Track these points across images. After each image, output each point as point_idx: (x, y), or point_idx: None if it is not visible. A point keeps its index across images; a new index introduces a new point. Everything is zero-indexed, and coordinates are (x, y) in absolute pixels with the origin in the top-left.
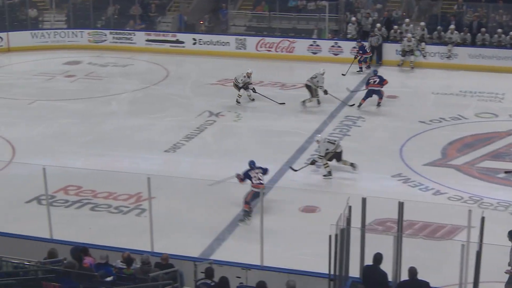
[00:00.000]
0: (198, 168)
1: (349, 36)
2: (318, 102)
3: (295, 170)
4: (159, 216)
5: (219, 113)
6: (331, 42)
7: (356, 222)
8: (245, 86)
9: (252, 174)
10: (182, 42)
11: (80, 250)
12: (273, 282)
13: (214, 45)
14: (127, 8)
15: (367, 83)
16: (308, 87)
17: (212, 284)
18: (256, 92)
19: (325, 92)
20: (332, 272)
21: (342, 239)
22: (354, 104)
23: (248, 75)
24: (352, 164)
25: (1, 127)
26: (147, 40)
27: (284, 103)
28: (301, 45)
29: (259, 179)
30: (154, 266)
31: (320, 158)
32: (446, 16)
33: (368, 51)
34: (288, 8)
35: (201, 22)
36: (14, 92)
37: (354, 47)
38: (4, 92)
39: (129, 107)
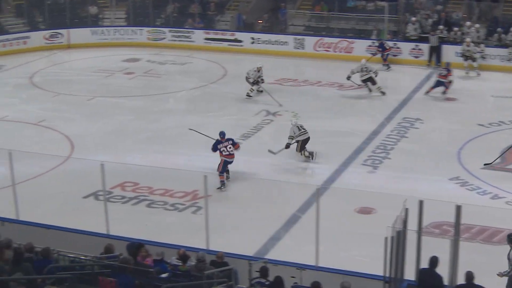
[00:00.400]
0: (254, 167)
1: (408, 36)
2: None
3: (274, 153)
4: (215, 214)
5: (276, 113)
6: (390, 43)
7: (412, 225)
8: (256, 81)
9: (221, 147)
10: (241, 41)
11: (136, 247)
12: (328, 283)
13: (273, 44)
14: (186, 6)
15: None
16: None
17: (267, 283)
18: (260, 90)
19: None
20: (387, 275)
21: (398, 242)
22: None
23: (258, 69)
24: (310, 154)
25: (61, 122)
26: (206, 39)
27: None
28: (360, 46)
29: (228, 150)
30: (209, 264)
31: (290, 139)
32: (507, 19)
33: (388, 48)
34: (347, 8)
35: (260, 22)
36: (73, 88)
37: (373, 45)
38: (64, 88)
39: (186, 105)
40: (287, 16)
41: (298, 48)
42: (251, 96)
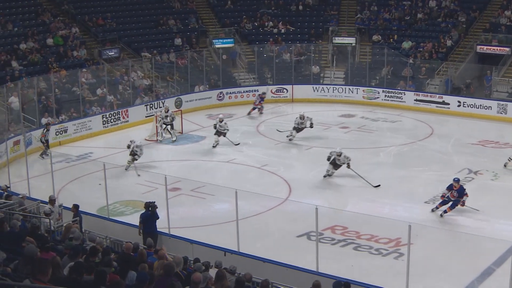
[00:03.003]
0: (454, 220)
1: None
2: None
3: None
4: (416, 261)
5: (478, 171)
6: None
7: None
8: (299, 128)
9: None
10: (448, 104)
11: (343, 285)
12: None
13: (477, 108)
14: (400, 69)
15: None
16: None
17: None
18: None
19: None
20: None
21: None
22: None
23: (301, 117)
24: None
25: (281, 168)
26: (416, 100)
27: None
28: None
29: None
30: None
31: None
32: None
33: None
34: None
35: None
36: (294, 138)
37: None
38: (285, 138)
39: (395, 159)
40: (491, 82)
41: (501, 113)
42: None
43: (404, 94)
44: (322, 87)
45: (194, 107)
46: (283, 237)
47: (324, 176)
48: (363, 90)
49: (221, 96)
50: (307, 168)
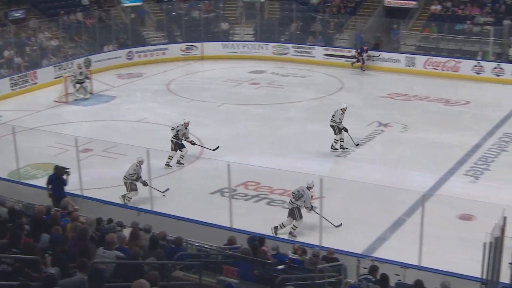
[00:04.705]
0: (365, 173)
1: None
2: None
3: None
4: (328, 214)
5: (388, 124)
6: (494, 64)
7: (510, 232)
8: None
9: None
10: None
11: (257, 240)
12: (429, 282)
13: (386, 61)
14: (309, 25)
15: None
16: (332, 126)
17: (373, 280)
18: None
19: (345, 129)
20: (484, 277)
21: (495, 247)
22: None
23: (343, 111)
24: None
25: (193, 126)
26: (325, 55)
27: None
28: (466, 66)
29: None
30: (321, 259)
31: None
32: None
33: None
34: (455, 31)
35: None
36: (205, 95)
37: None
38: (197, 95)
39: (306, 114)
40: (399, 36)
41: (409, 66)
42: (346, 148)
43: (314, 49)
44: (232, 44)
45: (104, 67)
46: (197, 194)
47: (339, 148)
48: (273, 46)
49: (130, 55)
50: (219, 125)
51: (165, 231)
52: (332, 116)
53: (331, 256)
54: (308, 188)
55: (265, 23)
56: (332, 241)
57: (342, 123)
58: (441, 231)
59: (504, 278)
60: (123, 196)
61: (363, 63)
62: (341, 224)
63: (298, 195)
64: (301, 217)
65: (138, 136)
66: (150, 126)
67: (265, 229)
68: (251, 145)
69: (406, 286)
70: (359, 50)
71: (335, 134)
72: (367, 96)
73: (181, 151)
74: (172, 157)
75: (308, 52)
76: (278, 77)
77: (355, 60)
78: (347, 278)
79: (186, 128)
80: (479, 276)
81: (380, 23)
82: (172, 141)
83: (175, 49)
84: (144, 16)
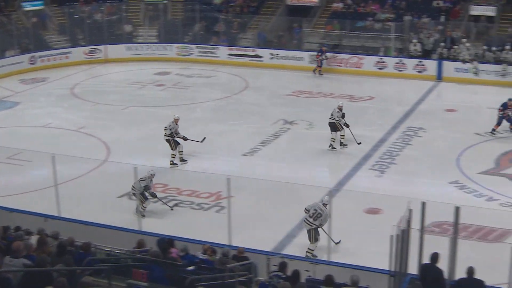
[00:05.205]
0: (272, 171)
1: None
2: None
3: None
4: (237, 213)
5: (293, 122)
6: (396, 59)
7: (415, 224)
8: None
9: None
10: (261, 57)
11: (166, 242)
12: (339, 277)
13: (290, 59)
14: (212, 25)
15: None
16: (331, 124)
17: (284, 276)
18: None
19: (346, 125)
20: (392, 269)
21: (402, 239)
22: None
23: (340, 108)
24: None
25: (98, 129)
26: (229, 54)
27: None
28: (369, 62)
29: None
30: (231, 258)
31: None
32: (502, 38)
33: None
34: (357, 28)
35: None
36: (110, 98)
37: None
38: (102, 99)
39: (212, 114)
40: (302, 34)
41: (312, 63)
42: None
43: (218, 49)
44: (136, 46)
45: (6, 73)
46: (104, 199)
47: (340, 146)
48: (177, 47)
49: (33, 60)
50: (125, 128)
51: (73, 236)
52: (331, 114)
53: (241, 255)
54: (325, 205)
55: (168, 24)
56: (241, 240)
57: (342, 119)
58: (349, 225)
59: (412, 270)
60: (137, 210)
61: (321, 66)
62: (340, 241)
63: (316, 215)
64: (316, 240)
65: (43, 142)
66: (55, 131)
67: (174, 231)
68: (158, 147)
69: (316, 282)
70: (319, 54)
71: (333, 132)
72: (272, 95)
73: (177, 147)
74: (175, 155)
75: (212, 52)
76: (183, 78)
77: (318, 65)
78: (258, 276)
79: (177, 124)
80: (387, 268)
81: (283, 22)
82: (168, 140)
83: (79, 52)
84: (46, 20)
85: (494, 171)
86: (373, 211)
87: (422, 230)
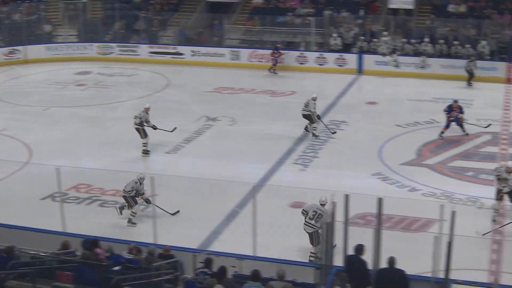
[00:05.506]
0: (196, 168)
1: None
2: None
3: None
4: (162, 211)
5: (216, 118)
6: (317, 54)
7: (340, 217)
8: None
9: None
10: (182, 54)
11: (91, 242)
12: (265, 271)
13: (211, 56)
14: (132, 23)
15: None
16: (306, 116)
17: (210, 272)
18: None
19: (318, 117)
20: (318, 262)
21: (327, 232)
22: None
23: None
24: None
25: (19, 131)
26: (150, 52)
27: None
28: (290, 57)
29: None
30: (157, 256)
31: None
32: (420, 30)
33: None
34: (277, 23)
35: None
36: (30, 99)
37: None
38: (22, 100)
39: (134, 112)
40: (223, 30)
41: (234, 60)
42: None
43: (139, 48)
44: (56, 46)
45: None
46: (27, 201)
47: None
48: (97, 46)
49: None
50: (47, 129)
51: None
52: (305, 106)
53: (167, 253)
54: (322, 205)
55: (88, 23)
56: (167, 238)
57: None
58: (274, 220)
59: (337, 262)
60: (129, 221)
61: (275, 64)
62: (335, 245)
63: (317, 216)
64: (319, 243)
65: None
66: None
67: (99, 231)
68: (81, 147)
69: (243, 277)
70: (274, 52)
71: (311, 123)
72: (193, 92)
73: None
74: (146, 143)
75: (133, 51)
76: (104, 77)
77: (273, 63)
78: (184, 274)
79: (147, 113)
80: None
81: (204, 19)
82: (138, 129)
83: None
84: None
85: (415, 162)
86: (297, 205)
87: (346, 222)
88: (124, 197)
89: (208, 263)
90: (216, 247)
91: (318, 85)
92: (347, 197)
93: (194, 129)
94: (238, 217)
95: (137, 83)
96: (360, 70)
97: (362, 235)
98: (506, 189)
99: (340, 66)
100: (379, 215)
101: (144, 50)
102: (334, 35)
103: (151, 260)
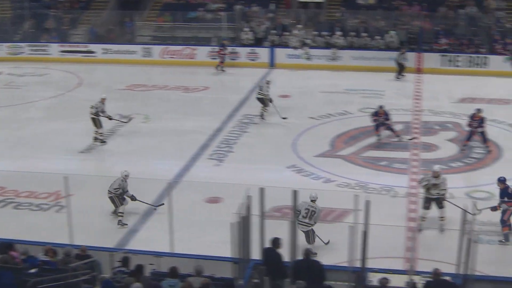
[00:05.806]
0: (111, 166)
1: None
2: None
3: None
4: (77, 211)
5: (129, 116)
6: (229, 49)
7: (256, 210)
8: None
9: None
10: (94, 52)
11: (6, 246)
12: (184, 268)
13: (123, 53)
14: (42, 22)
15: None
16: (260, 99)
17: (127, 271)
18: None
19: (270, 100)
20: (235, 256)
21: (243, 226)
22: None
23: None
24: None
25: None
26: (61, 51)
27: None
28: (202, 52)
29: None
30: (74, 257)
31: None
32: (331, 23)
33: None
34: (188, 19)
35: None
36: None
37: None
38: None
39: (46, 112)
40: (134, 27)
41: (146, 57)
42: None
43: (49, 47)
44: None
45: None
46: None
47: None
48: (7, 46)
49: None
50: None
51: None
52: (260, 89)
53: (83, 253)
54: (313, 201)
55: None
56: (83, 238)
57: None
58: (190, 216)
59: (254, 255)
60: (114, 213)
61: (223, 61)
62: (328, 241)
63: (310, 213)
64: (314, 240)
65: None
66: None
67: (14, 234)
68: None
69: (161, 274)
70: (221, 48)
71: (264, 106)
72: (106, 90)
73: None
74: (102, 133)
75: (44, 50)
76: (14, 77)
77: (220, 61)
78: (102, 274)
79: (103, 104)
80: (230, 256)
81: (114, 16)
82: (93, 118)
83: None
84: None
85: (329, 153)
86: (213, 200)
87: (262, 215)
88: (110, 197)
89: (125, 261)
90: (133, 245)
91: (230, 80)
92: (262, 190)
93: (107, 128)
94: (155, 214)
95: (48, 82)
96: (272, 64)
97: (278, 228)
98: (435, 196)
99: (252, 60)
100: (294, 207)
101: (55, 49)
102: (246, 29)
103: (67, 261)
